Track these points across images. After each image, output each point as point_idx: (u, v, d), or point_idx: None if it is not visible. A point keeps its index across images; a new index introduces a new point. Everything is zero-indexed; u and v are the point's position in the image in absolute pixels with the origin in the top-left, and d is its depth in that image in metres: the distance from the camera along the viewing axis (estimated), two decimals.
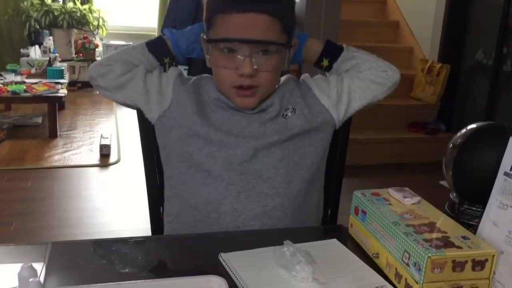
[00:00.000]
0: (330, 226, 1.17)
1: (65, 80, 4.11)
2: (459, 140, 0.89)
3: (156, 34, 5.85)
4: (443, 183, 3.18)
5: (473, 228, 0.81)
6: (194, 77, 1.12)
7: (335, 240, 0.90)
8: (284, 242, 0.81)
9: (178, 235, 1.03)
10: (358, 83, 1.09)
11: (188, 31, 1.11)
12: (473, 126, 0.90)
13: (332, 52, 1.11)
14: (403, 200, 0.86)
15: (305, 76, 1.15)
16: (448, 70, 3.88)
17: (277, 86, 1.08)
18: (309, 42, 1.12)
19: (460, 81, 3.94)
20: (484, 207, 0.80)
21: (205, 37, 1.04)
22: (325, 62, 1.12)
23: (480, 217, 0.81)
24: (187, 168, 1.04)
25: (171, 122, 1.06)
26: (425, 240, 0.74)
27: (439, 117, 3.97)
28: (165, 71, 1.12)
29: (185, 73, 1.14)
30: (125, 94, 1.08)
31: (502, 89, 3.50)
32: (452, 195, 0.92)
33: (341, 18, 3.28)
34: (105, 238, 0.89)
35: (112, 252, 0.84)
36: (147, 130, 1.14)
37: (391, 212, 0.83)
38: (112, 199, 2.84)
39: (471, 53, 3.81)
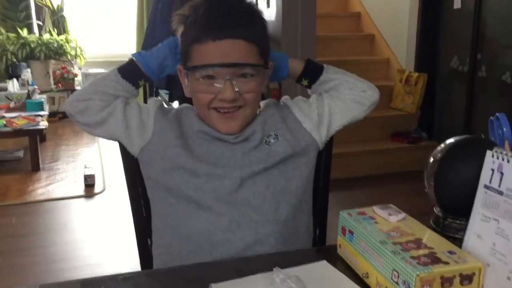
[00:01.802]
0: (320, 247, 1.18)
1: (45, 112, 4.08)
2: (438, 155, 0.90)
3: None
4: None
5: (459, 242, 0.82)
6: (176, 108, 1.12)
7: (324, 261, 0.91)
8: (274, 269, 0.81)
9: (167, 268, 1.02)
10: (338, 104, 1.10)
11: (156, 50, 1.10)
12: (451, 140, 0.91)
13: (311, 73, 1.12)
14: (388, 218, 0.87)
15: (285, 98, 1.16)
16: (425, 79, 3.94)
17: (258, 112, 1.09)
18: (290, 63, 1.13)
19: (437, 89, 4.01)
20: (467, 220, 0.82)
21: (182, 68, 1.05)
22: (305, 82, 1.14)
23: (464, 230, 0.82)
24: (176, 199, 1.03)
25: (153, 155, 1.05)
26: (413, 257, 0.75)
27: (420, 126, 4.03)
28: (145, 100, 1.12)
29: (166, 97, 1.14)
30: (106, 130, 1.07)
31: (479, 94, 3.57)
32: (436, 209, 0.93)
33: (317, 34, 3.33)
34: (93, 277, 0.88)
35: None
36: (130, 162, 1.14)
37: (377, 231, 0.84)
38: (98, 230, 2.80)
39: (446, 61, 3.88)
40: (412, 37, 4.10)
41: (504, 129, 0.92)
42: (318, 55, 3.35)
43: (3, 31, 5.23)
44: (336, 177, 1.25)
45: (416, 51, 4.09)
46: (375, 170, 3.66)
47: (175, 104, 3.40)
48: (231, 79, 0.98)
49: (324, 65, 1.13)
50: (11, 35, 5.21)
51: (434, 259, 0.74)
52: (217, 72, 0.98)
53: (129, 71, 1.08)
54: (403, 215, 0.88)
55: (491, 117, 0.95)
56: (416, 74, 3.98)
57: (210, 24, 0.98)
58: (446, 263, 0.73)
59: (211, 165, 1.02)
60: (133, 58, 1.09)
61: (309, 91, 1.16)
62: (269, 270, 0.81)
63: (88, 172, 3.44)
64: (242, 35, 0.98)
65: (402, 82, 4.04)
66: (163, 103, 1.13)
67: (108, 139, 1.10)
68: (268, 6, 3.40)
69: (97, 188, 3.37)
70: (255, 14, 1.04)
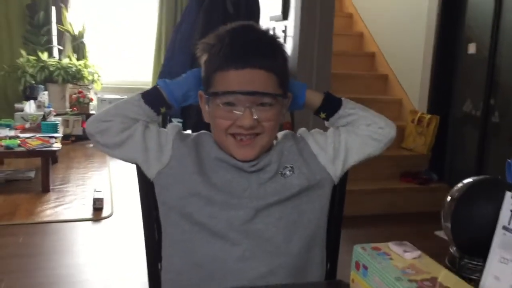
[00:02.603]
0: (331, 281, 1.16)
1: (59, 134, 4.13)
2: (456, 194, 0.90)
3: (151, 82, 5.95)
4: (439, 233, 3.18)
5: (475, 282, 0.81)
6: (194, 134, 1.13)
7: None
8: None
9: None
10: (355, 139, 1.11)
11: (182, 79, 1.12)
12: (469, 180, 0.92)
13: (330, 106, 1.13)
14: (403, 255, 0.87)
15: (302, 130, 1.17)
16: (437, 121, 3.95)
17: (275, 143, 1.10)
18: (308, 94, 1.14)
19: (449, 131, 4.01)
20: (484, 261, 0.81)
21: (203, 94, 1.07)
22: (323, 115, 1.14)
23: (481, 271, 0.81)
24: (190, 226, 1.03)
25: (169, 180, 1.06)
26: None
27: (431, 167, 4.01)
28: (164, 124, 1.13)
29: (180, 125, 1.15)
30: (124, 151, 1.08)
31: (491, 140, 3.56)
32: (452, 249, 0.92)
33: (332, 72, 3.37)
34: None
35: None
36: (146, 186, 1.14)
37: (392, 267, 0.83)
38: (104, 254, 2.79)
39: (459, 104, 3.90)
40: (426, 78, 4.14)
41: None
42: (333, 92, 3.38)
43: (24, 53, 5.36)
44: (345, 213, 1.25)
45: (429, 93, 4.12)
46: (383, 209, 3.63)
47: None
48: (250, 107, 0.99)
49: (343, 99, 1.14)
50: (32, 57, 5.33)
51: None
52: (237, 100, 1.00)
53: (152, 97, 1.10)
54: (418, 252, 0.87)
55: (509, 160, 0.96)
56: (428, 116, 3.99)
57: (234, 54, 1.00)
58: None
59: (226, 194, 1.03)
60: (158, 85, 1.11)
61: (326, 123, 1.17)
62: None
63: (97, 196, 3.45)
64: (264, 66, 1.00)
65: (414, 122, 4.05)
66: (181, 127, 1.14)
67: (126, 161, 1.11)
68: (285, 42, 3.46)
69: (105, 212, 3.37)
70: (278, 46, 1.07)
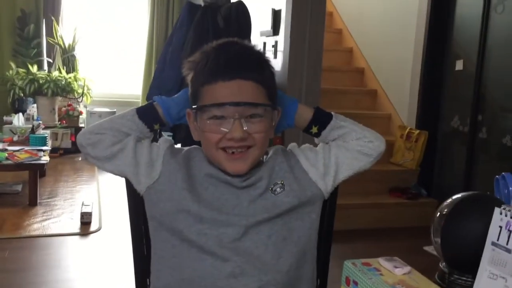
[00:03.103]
0: None
1: (47, 147, 4.10)
2: (445, 210, 0.91)
3: (140, 101, 5.95)
4: (427, 248, 3.19)
5: None
6: (185, 149, 1.13)
7: None
8: None
9: None
10: (345, 154, 1.11)
11: (178, 97, 1.12)
12: (458, 196, 0.92)
13: (321, 120, 1.13)
14: (394, 270, 0.87)
15: (292, 146, 1.17)
16: (426, 137, 3.99)
17: (266, 158, 1.10)
18: (299, 109, 1.14)
19: (438, 147, 4.05)
20: (474, 277, 0.81)
21: (190, 110, 1.06)
22: (314, 129, 1.14)
23: (470, 287, 0.82)
24: (179, 242, 1.02)
25: (159, 195, 1.06)
26: None
27: (420, 182, 4.03)
28: (155, 137, 1.13)
29: (171, 140, 1.14)
30: (115, 165, 1.08)
31: (479, 155, 3.60)
32: (442, 265, 0.93)
33: (321, 87, 3.40)
34: None
35: None
36: (135, 200, 1.14)
37: (382, 283, 0.83)
38: (92, 269, 2.76)
39: (447, 120, 3.94)
40: (414, 94, 4.18)
41: (510, 188, 0.93)
42: (322, 107, 3.40)
43: (13, 66, 5.34)
44: (334, 228, 1.25)
45: (417, 108, 4.16)
46: (372, 224, 3.63)
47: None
48: (240, 118, 0.99)
49: (333, 113, 1.15)
50: (21, 70, 5.31)
51: None
52: (226, 112, 0.99)
53: (147, 113, 1.10)
54: (408, 268, 0.88)
55: (497, 176, 0.97)
56: (417, 131, 4.03)
57: (221, 66, 1.00)
58: None
59: (216, 211, 1.02)
60: (155, 101, 1.11)
61: (316, 140, 1.18)
62: None
63: (85, 210, 3.41)
64: (251, 77, 1.00)
65: (403, 138, 4.08)
66: (172, 142, 1.14)
67: (116, 174, 1.10)
68: (275, 57, 3.48)
69: (93, 227, 3.33)
70: (264, 60, 1.07)
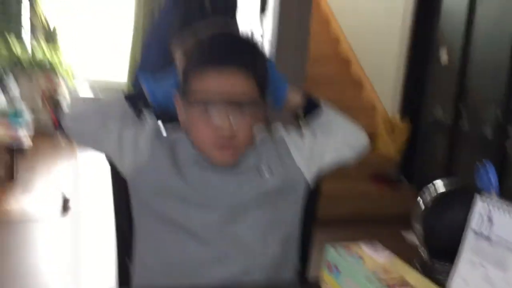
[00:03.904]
0: (302, 280, 1.17)
1: (28, 129, 4.04)
2: (427, 197, 0.91)
3: (125, 86, 5.85)
4: (406, 234, 3.24)
5: (443, 285, 0.83)
6: (171, 131, 1.12)
7: None
8: None
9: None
10: (331, 143, 1.12)
11: (165, 81, 1.11)
12: (440, 183, 0.93)
13: (309, 106, 1.14)
14: (374, 256, 0.88)
15: (280, 130, 1.17)
16: (408, 126, 4.03)
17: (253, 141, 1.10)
18: (289, 94, 1.14)
19: (420, 136, 4.09)
20: (453, 264, 0.82)
21: (178, 93, 1.05)
22: (301, 114, 1.15)
23: (449, 273, 0.83)
24: (163, 224, 1.02)
25: (145, 178, 1.04)
26: None
27: (401, 171, 4.08)
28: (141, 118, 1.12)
29: (158, 123, 1.13)
30: (99, 146, 1.07)
31: (459, 146, 3.65)
32: (421, 251, 0.94)
33: (307, 75, 3.39)
34: None
35: None
36: (118, 180, 1.12)
37: (363, 268, 0.84)
38: (71, 249, 2.74)
39: (430, 111, 3.98)
40: (398, 84, 4.21)
41: (491, 176, 0.94)
42: None
43: None
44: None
45: (401, 99, 4.19)
46: (352, 211, 3.65)
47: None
48: (228, 113, 0.98)
49: (322, 101, 1.15)
50: (3, 51, 5.20)
51: None
52: (215, 105, 0.98)
53: (134, 98, 1.10)
54: (389, 254, 0.89)
55: (478, 164, 0.98)
56: (400, 120, 4.06)
57: (212, 56, 1.00)
58: None
59: (202, 194, 1.02)
60: (139, 79, 1.10)
61: (302, 124, 1.18)
62: None
63: (65, 191, 3.39)
64: (242, 65, 0.99)
65: (386, 126, 4.11)
66: (160, 125, 1.13)
67: (101, 153, 1.09)
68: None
69: (73, 207, 3.30)
70: (257, 48, 1.06)
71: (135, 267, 1.08)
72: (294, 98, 1.15)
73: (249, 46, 1.05)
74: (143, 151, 1.05)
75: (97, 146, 1.07)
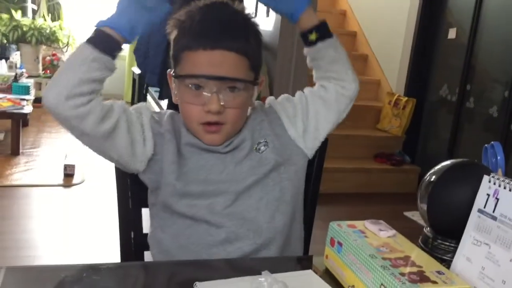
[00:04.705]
0: (305, 256, 1.17)
1: (30, 97, 4.02)
2: (434, 176, 0.91)
3: (127, 51, 5.75)
4: (408, 214, 3.25)
5: (447, 263, 0.82)
6: (165, 117, 1.06)
7: (310, 271, 0.90)
8: (262, 272, 0.80)
9: (153, 262, 1.00)
10: (323, 105, 1.09)
11: (118, 9, 0.96)
12: (447, 162, 0.92)
13: (323, 31, 1.07)
14: (379, 233, 0.87)
15: (271, 99, 1.14)
16: (414, 104, 3.99)
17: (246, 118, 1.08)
18: (306, 12, 1.06)
19: (425, 115, 4.06)
20: (457, 243, 0.82)
21: (172, 73, 1.02)
22: (313, 36, 1.07)
23: (453, 252, 0.82)
24: (171, 214, 1.03)
25: (155, 168, 1.02)
26: (401, 274, 0.75)
27: (404, 149, 4.07)
28: (144, 95, 1.09)
29: (156, 95, 1.10)
30: (112, 145, 0.98)
31: (464, 125, 3.62)
32: (426, 229, 0.94)
33: None
34: (73, 264, 0.86)
35: (81, 280, 0.81)
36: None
37: (367, 245, 0.84)
38: (73, 220, 2.76)
39: (436, 89, 3.94)
40: (405, 62, 4.16)
41: (498, 157, 0.93)
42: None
43: None
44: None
45: (407, 76, 4.15)
46: (355, 188, 3.68)
47: (164, 103, 3.37)
48: (218, 92, 0.96)
49: (334, 34, 1.09)
50: (4, 16, 5.14)
51: (423, 278, 0.74)
52: (205, 83, 0.96)
53: (103, 42, 0.93)
54: (393, 231, 0.88)
55: (486, 145, 0.97)
56: (405, 98, 4.03)
57: (204, 33, 0.96)
58: (435, 282, 0.73)
59: (203, 183, 1.01)
60: (98, 26, 0.94)
61: (305, 50, 1.10)
62: (254, 274, 0.81)
63: (68, 162, 3.39)
64: (235, 48, 0.96)
65: (391, 104, 4.08)
66: (151, 111, 1.08)
67: (108, 157, 1.02)
68: (268, 15, 3.41)
69: (76, 179, 3.32)
70: (251, 27, 1.02)
71: (152, 247, 1.08)
72: (310, 18, 1.07)
73: (243, 24, 1.01)
74: (149, 143, 1.02)
75: (108, 144, 1.00)
